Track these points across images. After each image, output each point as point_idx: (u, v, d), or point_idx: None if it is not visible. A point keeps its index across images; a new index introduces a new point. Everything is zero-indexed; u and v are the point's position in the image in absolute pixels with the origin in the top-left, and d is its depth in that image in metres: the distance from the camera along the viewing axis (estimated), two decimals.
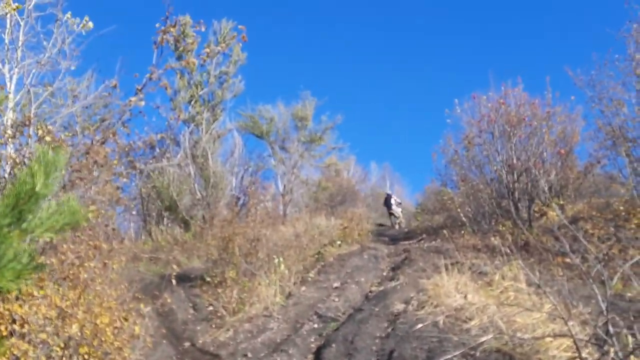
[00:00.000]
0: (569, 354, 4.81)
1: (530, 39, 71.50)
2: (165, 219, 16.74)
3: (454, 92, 46.64)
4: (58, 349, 4.19)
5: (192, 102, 17.15)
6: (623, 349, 3.99)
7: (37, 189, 1.40)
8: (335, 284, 9.53)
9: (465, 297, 6.52)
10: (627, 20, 9.44)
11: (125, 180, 6.15)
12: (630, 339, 4.19)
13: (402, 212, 21.29)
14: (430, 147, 25.92)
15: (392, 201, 20.99)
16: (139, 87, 4.98)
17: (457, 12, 74.35)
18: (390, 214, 20.89)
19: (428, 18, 73.78)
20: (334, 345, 6.33)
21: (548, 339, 5.06)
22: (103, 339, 4.51)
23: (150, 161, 13.51)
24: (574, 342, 4.23)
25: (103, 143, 5.28)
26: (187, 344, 7.51)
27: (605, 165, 11.02)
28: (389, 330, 6.49)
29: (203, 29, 5.43)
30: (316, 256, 11.47)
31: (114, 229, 5.98)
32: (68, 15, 5.65)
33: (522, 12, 71.13)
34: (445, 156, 14.49)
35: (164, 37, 5.19)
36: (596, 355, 4.33)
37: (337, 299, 8.62)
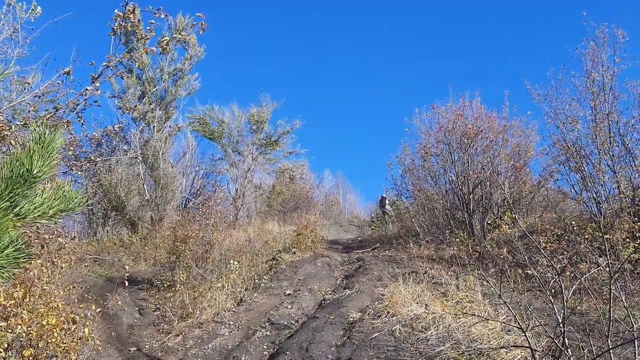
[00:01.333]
0: None
1: (493, 50, 73.55)
2: (111, 220, 16.19)
3: (415, 102, 47.34)
4: (1, 350, 3.90)
5: (144, 100, 16.59)
6: None
7: (34, 171, 1.25)
8: (288, 291, 9.38)
9: (426, 306, 6.50)
10: (584, 37, 9.78)
11: (79, 172, 5.85)
12: (584, 352, 4.23)
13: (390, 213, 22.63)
14: (386, 157, 26.07)
15: (386, 202, 21.88)
16: (95, 76, 4.73)
17: (422, 21, 75.78)
18: (384, 213, 21.53)
19: (392, 27, 74.89)
20: (288, 353, 6.19)
21: (503, 350, 5.09)
22: (49, 340, 4.24)
23: (97, 157, 13.08)
24: (532, 353, 4.23)
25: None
26: (133, 349, 7.21)
27: (558, 180, 11.32)
28: (345, 338, 6.40)
29: (163, 16, 5.19)
30: (269, 262, 11.31)
31: (63, 227, 5.68)
32: (13, 0, 5.34)
33: (486, 25, 73.11)
34: (401, 165, 14.60)
35: (122, 23, 4.97)
36: None
37: (290, 306, 8.48)
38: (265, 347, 6.86)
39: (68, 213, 1.45)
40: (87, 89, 4.91)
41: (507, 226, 10.91)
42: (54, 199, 1.36)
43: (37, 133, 1.30)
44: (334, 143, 69.74)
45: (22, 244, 1.27)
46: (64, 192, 1.39)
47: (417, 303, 6.86)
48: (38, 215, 1.34)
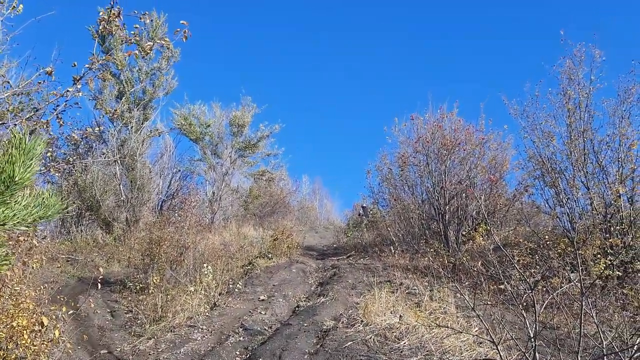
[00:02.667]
0: None
1: (471, 63, 74.45)
2: (85, 220, 15.95)
3: (393, 114, 47.66)
4: None
5: (122, 99, 16.40)
6: None
7: (15, 178, 1.23)
8: (263, 297, 9.34)
9: (400, 317, 6.53)
10: (560, 55, 9.96)
11: (56, 173, 5.76)
12: None
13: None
14: (365, 164, 26.25)
15: (369, 212, 23.59)
16: (77, 77, 4.67)
17: (404, 30, 76.33)
18: (361, 222, 22.67)
19: (373, 36, 75.31)
20: (260, 359, 6.17)
21: None
22: (19, 342, 4.15)
23: (75, 158, 12.89)
24: None
25: (31, 134, 4.91)
26: (103, 351, 7.10)
27: (532, 194, 11.47)
28: (318, 346, 6.39)
29: (149, 20, 5.15)
30: (244, 267, 11.26)
31: (34, 226, 5.56)
32: None
33: (464, 36, 73.96)
34: (379, 174, 14.64)
35: (107, 27, 4.92)
36: None
37: (264, 312, 8.44)
38: (237, 352, 6.82)
39: (47, 220, 1.43)
40: (68, 90, 4.84)
41: (482, 238, 11.02)
42: (33, 205, 1.34)
43: (18, 139, 1.28)
44: (312, 148, 69.74)
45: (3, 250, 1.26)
46: (43, 199, 1.37)
47: (391, 313, 6.89)
48: (17, 222, 1.32)
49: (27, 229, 1.39)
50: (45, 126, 4.79)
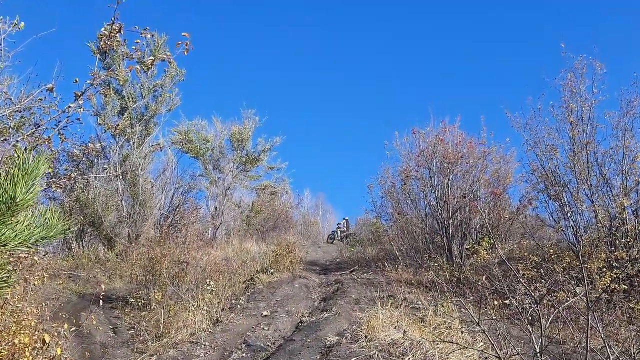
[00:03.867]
0: None
1: (472, 77, 74.84)
2: (87, 236, 15.92)
3: (395, 126, 47.82)
4: None
5: (125, 115, 16.41)
6: None
7: (17, 199, 1.21)
8: (266, 313, 9.28)
9: (404, 333, 6.46)
10: (562, 69, 9.97)
11: (59, 190, 5.75)
12: None
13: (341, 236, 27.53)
14: (367, 180, 26.34)
15: (344, 228, 27.37)
16: (79, 94, 4.68)
17: (404, 45, 76.83)
18: (346, 237, 25.43)
19: (375, 50, 75.80)
20: None
21: None
22: (21, 359, 4.12)
23: (76, 174, 12.88)
24: None
25: (32, 150, 4.90)
26: None
27: (537, 208, 11.43)
28: None
29: (150, 36, 5.17)
30: (247, 283, 11.20)
31: (37, 246, 5.54)
32: None
33: (466, 52, 74.42)
34: (382, 188, 14.60)
35: (108, 42, 4.94)
36: None
37: (267, 328, 8.38)
38: None
39: (49, 240, 1.42)
40: (70, 107, 4.85)
41: (486, 252, 10.97)
42: (35, 226, 1.32)
43: (22, 160, 1.27)
44: (315, 164, 69.94)
45: (6, 272, 1.24)
46: (45, 219, 1.35)
47: (395, 328, 6.83)
48: (19, 243, 1.30)
49: (28, 249, 1.38)
50: (47, 142, 4.79)
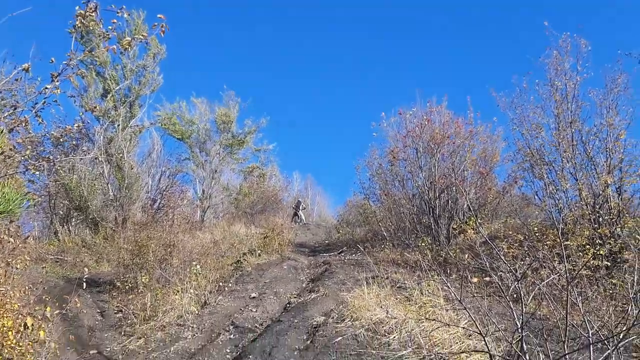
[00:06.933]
0: None
1: (458, 58, 74.70)
2: (73, 219, 15.82)
3: (382, 106, 47.77)
4: None
5: (107, 97, 16.23)
6: None
7: None
8: (253, 294, 9.31)
9: (387, 312, 6.51)
10: (547, 47, 9.95)
11: (36, 172, 5.69)
12: (541, 356, 4.29)
13: (307, 216, 28.24)
14: (355, 161, 26.30)
15: (300, 207, 26.34)
16: (55, 74, 4.62)
17: (389, 28, 76.39)
18: (295, 215, 25.43)
19: (360, 31, 75.31)
20: (250, 356, 6.15)
21: (464, 355, 5.13)
22: (4, 343, 4.11)
23: (59, 157, 12.76)
24: (490, 357, 4.27)
25: (10, 132, 4.86)
26: (93, 351, 7.06)
27: (522, 186, 11.48)
28: (308, 342, 6.38)
29: (126, 15, 5.10)
30: (234, 265, 11.21)
31: (18, 226, 5.51)
32: None
33: (452, 32, 74.18)
34: (369, 169, 14.59)
35: (84, 22, 4.86)
36: None
37: (255, 310, 8.41)
38: (228, 350, 6.80)
39: (7, 215, 1.40)
40: (46, 88, 4.79)
41: (473, 231, 11.04)
42: None
43: None
44: (303, 145, 69.83)
45: None
46: (3, 193, 1.34)
47: (381, 307, 6.88)
48: None
49: None
50: (24, 124, 4.73)
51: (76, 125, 6.90)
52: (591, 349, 3.65)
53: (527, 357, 3.98)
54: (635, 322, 3.49)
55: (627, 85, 9.12)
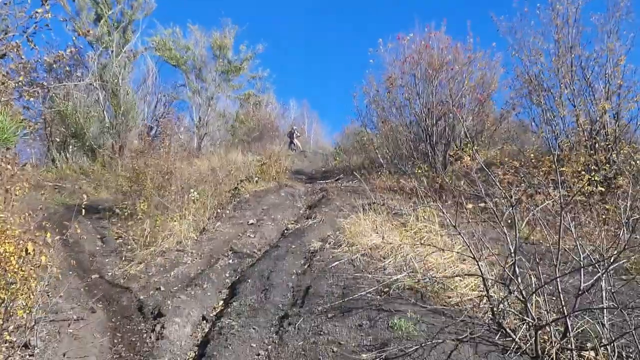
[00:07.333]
0: (477, 292, 5.02)
1: None
2: (70, 147, 15.79)
3: (380, 33, 46.71)
4: None
5: (101, 22, 15.76)
6: (527, 288, 4.18)
7: None
8: (251, 221, 9.43)
9: (383, 237, 6.61)
10: None
11: (31, 98, 5.61)
12: (533, 279, 4.39)
13: (303, 144, 27.77)
14: (352, 88, 25.98)
15: (295, 134, 25.77)
16: None
17: None
18: (291, 143, 25.11)
19: None
20: (249, 280, 6.29)
21: (458, 278, 5.26)
22: (7, 267, 4.18)
23: (52, 83, 12.56)
24: (483, 281, 4.38)
25: (2, 57, 4.75)
26: (95, 276, 7.23)
27: (520, 113, 11.42)
28: (306, 267, 6.52)
29: None
30: (232, 192, 11.29)
31: (15, 153, 5.49)
32: None
33: None
34: (366, 96, 14.39)
35: None
36: (502, 294, 4.53)
37: (253, 236, 8.54)
38: (227, 275, 6.96)
39: (4, 143, 1.37)
40: (37, 12, 4.64)
41: (469, 158, 11.05)
42: None
43: None
44: (299, 72, 68.75)
45: None
46: None
47: (377, 233, 6.98)
48: None
49: None
50: (16, 49, 4.61)
51: (69, 50, 6.74)
52: (582, 272, 3.73)
53: (519, 280, 4.08)
54: (626, 246, 3.55)
55: (630, 10, 8.93)
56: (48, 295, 5.31)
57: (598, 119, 8.77)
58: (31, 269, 4.55)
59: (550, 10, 9.48)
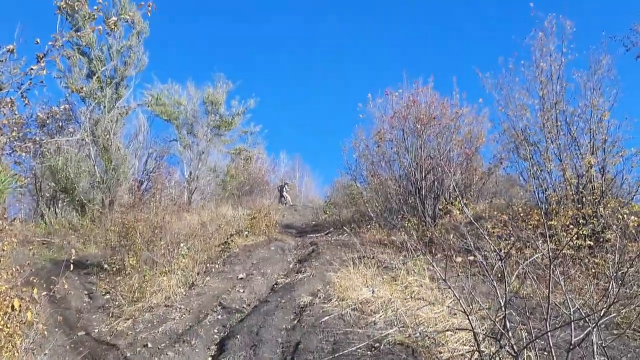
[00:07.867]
0: (468, 347, 4.97)
1: (445, 39, 74.57)
2: (60, 202, 15.70)
3: (369, 89, 47.70)
4: None
5: (93, 78, 16.00)
6: (518, 343, 4.15)
7: None
8: (241, 275, 9.35)
9: (373, 292, 6.58)
10: (532, 28, 9.99)
11: (23, 154, 5.66)
12: (524, 333, 4.37)
13: (294, 198, 29.13)
14: (342, 141, 26.32)
15: (285, 189, 26.92)
16: (41, 55, 4.56)
17: (376, 10, 75.98)
18: (281, 197, 26.31)
19: (347, 15, 74.81)
20: (238, 336, 6.20)
21: (449, 333, 5.22)
22: None
23: (44, 138, 12.62)
24: (474, 335, 4.35)
25: None
26: (81, 333, 7.08)
27: (507, 167, 11.58)
28: (295, 322, 6.44)
29: None
30: (222, 246, 11.22)
31: (4, 208, 5.48)
32: None
33: (438, 13, 73.92)
34: (356, 150, 14.56)
35: (68, 2, 4.81)
36: (493, 349, 4.49)
37: (242, 290, 8.46)
38: (216, 330, 6.86)
39: None
40: (32, 68, 4.73)
41: (459, 211, 11.13)
42: None
43: None
44: (291, 128, 69.70)
45: None
46: None
47: (367, 287, 6.95)
48: None
49: None
50: (9, 105, 4.68)
51: (62, 106, 6.83)
52: (572, 326, 3.72)
53: (510, 335, 4.06)
54: (616, 300, 3.57)
55: (611, 67, 9.22)
56: (33, 353, 5.19)
57: (584, 173, 8.91)
58: (17, 326, 4.48)
59: (534, 67, 9.80)
